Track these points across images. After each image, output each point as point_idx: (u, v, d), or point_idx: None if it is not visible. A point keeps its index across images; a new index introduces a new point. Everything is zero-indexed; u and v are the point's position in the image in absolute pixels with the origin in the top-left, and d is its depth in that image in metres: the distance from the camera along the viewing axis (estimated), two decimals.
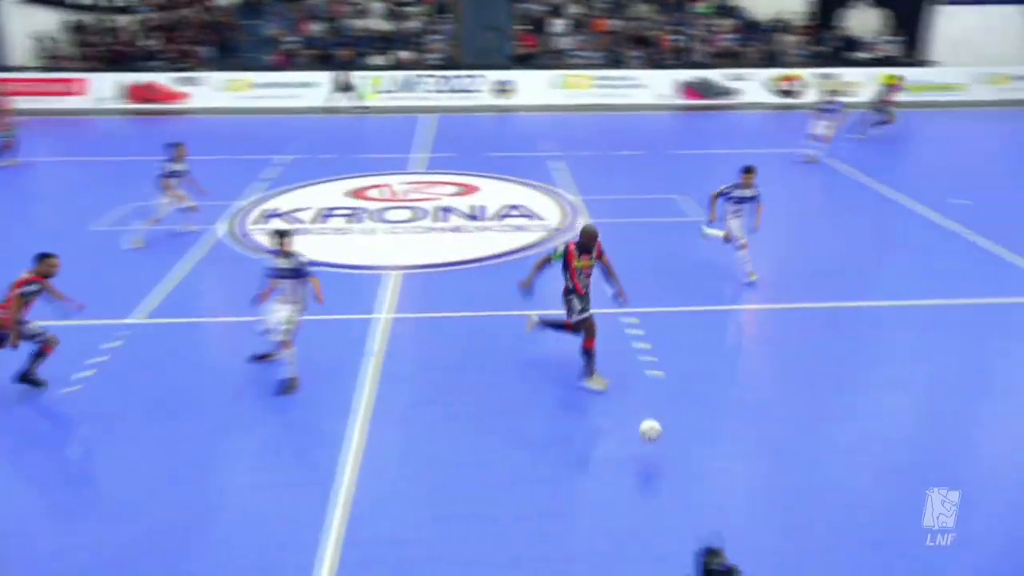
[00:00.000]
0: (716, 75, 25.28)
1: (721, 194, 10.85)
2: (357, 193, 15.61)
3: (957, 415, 8.02)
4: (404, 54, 25.84)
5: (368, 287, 10.93)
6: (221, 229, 13.28)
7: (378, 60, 25.46)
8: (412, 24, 26.86)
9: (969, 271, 11.66)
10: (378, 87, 24.73)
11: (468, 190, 15.81)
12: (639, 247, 12.63)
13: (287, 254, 8.13)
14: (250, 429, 7.76)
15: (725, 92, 25.20)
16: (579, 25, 26.63)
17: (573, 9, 27.06)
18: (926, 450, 7.48)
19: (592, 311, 8.24)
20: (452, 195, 15.48)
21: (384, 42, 26.07)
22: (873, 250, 12.80)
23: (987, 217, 13.67)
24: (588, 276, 8.22)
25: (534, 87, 25.04)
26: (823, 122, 17.54)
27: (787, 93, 25.31)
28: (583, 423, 7.98)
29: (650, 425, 7.05)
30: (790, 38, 26.50)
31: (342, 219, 14.04)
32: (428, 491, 6.78)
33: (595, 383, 8.27)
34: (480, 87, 25.14)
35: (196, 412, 7.92)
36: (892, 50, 26.27)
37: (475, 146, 19.73)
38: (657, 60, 25.73)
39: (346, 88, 23.91)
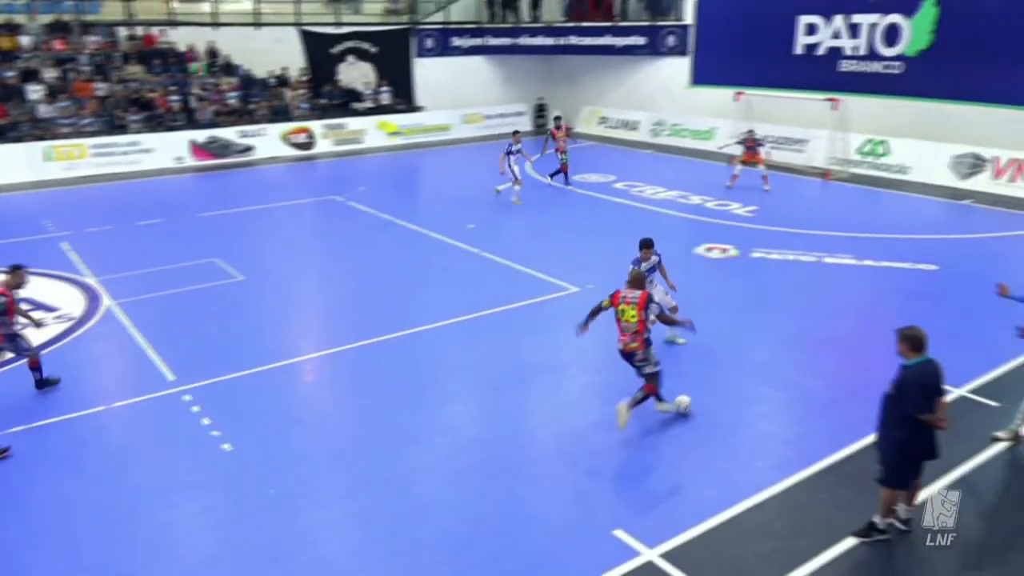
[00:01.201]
0: (229, 133, 24.93)
1: None
2: None
3: (512, 403, 9.16)
4: None
5: None
6: None
7: None
8: None
9: (494, 283, 13.37)
10: None
11: None
12: (183, 318, 11.85)
13: None
14: None
15: (241, 149, 25.02)
16: (60, 91, 23.87)
17: (50, 73, 24.15)
18: (497, 442, 8.32)
19: None
20: None
21: None
22: (415, 280, 13.83)
23: (490, 236, 15.87)
24: None
25: (9, 163, 21.55)
26: (514, 163, 18.69)
27: (301, 145, 26.15)
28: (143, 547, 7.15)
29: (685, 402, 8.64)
30: (292, 93, 27.39)
31: None
32: None
33: (666, 405, 8.63)
34: None
35: None
36: (386, 99, 28.88)
37: None
38: (161, 122, 24.39)
39: None
